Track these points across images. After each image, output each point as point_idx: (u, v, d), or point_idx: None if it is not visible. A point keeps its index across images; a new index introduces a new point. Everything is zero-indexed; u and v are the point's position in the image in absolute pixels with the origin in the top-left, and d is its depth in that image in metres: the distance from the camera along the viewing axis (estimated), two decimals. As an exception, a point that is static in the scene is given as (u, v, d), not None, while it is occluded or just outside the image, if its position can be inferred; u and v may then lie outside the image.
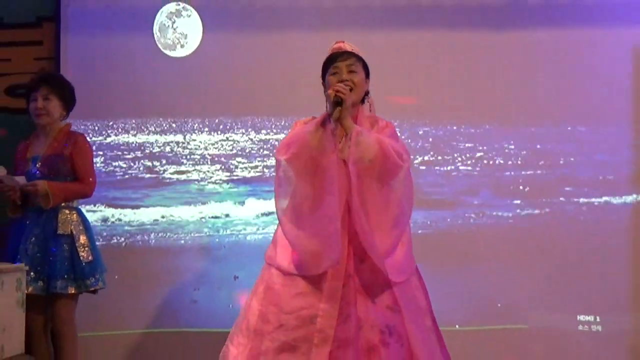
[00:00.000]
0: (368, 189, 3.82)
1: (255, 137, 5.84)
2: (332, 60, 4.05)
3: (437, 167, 5.80)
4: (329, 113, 3.81)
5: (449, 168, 5.81)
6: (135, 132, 5.90)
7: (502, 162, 5.81)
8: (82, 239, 5.03)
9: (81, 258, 4.98)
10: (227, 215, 5.78)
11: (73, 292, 4.97)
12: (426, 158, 5.80)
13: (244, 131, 5.87)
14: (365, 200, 3.81)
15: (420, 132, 5.81)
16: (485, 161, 5.81)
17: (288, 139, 3.94)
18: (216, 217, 5.82)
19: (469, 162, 5.82)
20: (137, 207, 5.87)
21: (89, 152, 5.19)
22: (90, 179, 5.12)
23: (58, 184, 4.98)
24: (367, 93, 4.12)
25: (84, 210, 5.22)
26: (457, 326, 5.62)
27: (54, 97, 5.12)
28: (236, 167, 5.83)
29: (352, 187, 3.79)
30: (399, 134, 4.14)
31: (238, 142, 5.86)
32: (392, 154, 3.82)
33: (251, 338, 3.84)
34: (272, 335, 3.78)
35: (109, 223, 5.83)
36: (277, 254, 3.93)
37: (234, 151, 5.86)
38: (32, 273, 4.89)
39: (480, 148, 5.82)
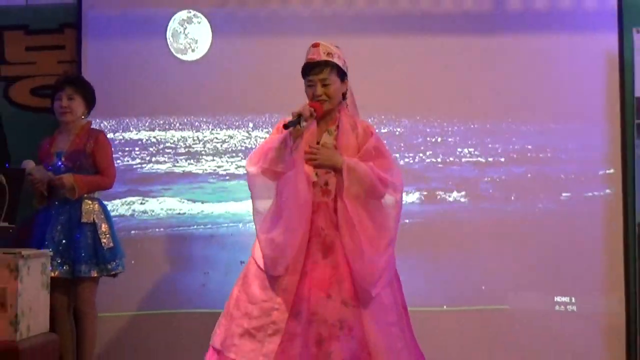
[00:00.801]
0: (362, 217, 3.85)
1: (258, 134, 5.86)
2: (307, 71, 3.99)
3: (427, 161, 5.82)
4: (289, 131, 3.77)
5: (437, 161, 5.83)
6: (149, 129, 5.91)
7: (483, 158, 5.82)
8: (104, 227, 5.09)
9: (103, 244, 5.03)
10: (234, 207, 5.80)
11: (96, 275, 5.02)
12: (415, 153, 5.83)
13: (248, 128, 5.87)
14: (358, 226, 3.83)
15: (410, 128, 5.83)
16: (470, 156, 5.82)
17: (256, 154, 3.94)
18: (225, 209, 5.83)
19: (455, 157, 5.83)
20: (151, 198, 5.87)
21: (109, 148, 5.24)
22: (111, 172, 5.18)
23: (82, 177, 5.03)
24: (345, 93, 4.06)
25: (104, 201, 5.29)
26: (444, 307, 5.67)
27: (78, 96, 5.18)
28: (242, 161, 5.88)
29: (352, 218, 3.81)
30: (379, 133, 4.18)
31: (243, 138, 5.89)
32: (378, 185, 3.85)
33: (228, 320, 3.94)
34: (238, 321, 3.88)
35: (127, 213, 5.85)
36: (255, 247, 3.99)
37: (239, 147, 5.89)
38: (58, 258, 4.95)
39: (468, 143, 5.83)
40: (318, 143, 3.97)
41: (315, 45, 4.03)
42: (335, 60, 3.99)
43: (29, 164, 5.04)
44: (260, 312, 3.84)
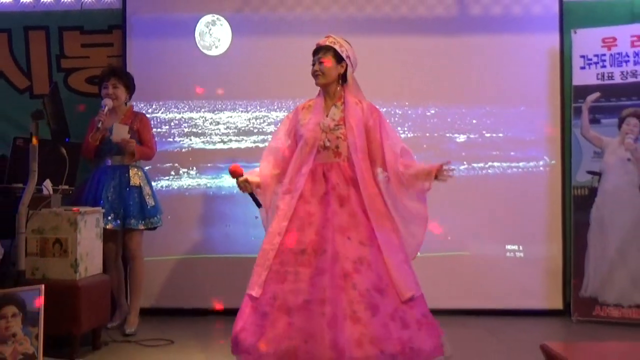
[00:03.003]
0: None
1: (268, 115, 5.88)
2: (314, 54, 4.08)
3: (406, 134, 5.86)
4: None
5: (413, 136, 5.84)
6: (181, 110, 5.92)
7: (451, 134, 5.84)
8: (147, 189, 5.20)
9: (147, 203, 5.15)
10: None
11: (142, 227, 5.15)
12: (407, 130, 5.85)
13: (262, 111, 5.88)
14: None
15: (400, 112, 5.88)
16: (441, 131, 5.85)
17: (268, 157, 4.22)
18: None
19: (429, 132, 5.86)
20: (182, 166, 5.89)
21: (150, 126, 5.36)
22: (154, 146, 5.29)
23: (139, 146, 5.13)
24: (343, 74, 4.06)
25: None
26: (418, 254, 5.74)
27: (121, 85, 5.24)
28: (255, 138, 5.91)
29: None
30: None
31: (258, 119, 5.89)
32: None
33: (265, 267, 3.84)
34: (273, 267, 3.82)
35: (162, 179, 5.89)
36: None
37: (254, 127, 5.87)
38: (112, 214, 5.04)
39: (441, 121, 5.85)
40: (327, 116, 4.04)
41: (327, 36, 4.13)
42: (336, 47, 4.05)
43: (108, 101, 5.11)
44: (293, 254, 3.83)
